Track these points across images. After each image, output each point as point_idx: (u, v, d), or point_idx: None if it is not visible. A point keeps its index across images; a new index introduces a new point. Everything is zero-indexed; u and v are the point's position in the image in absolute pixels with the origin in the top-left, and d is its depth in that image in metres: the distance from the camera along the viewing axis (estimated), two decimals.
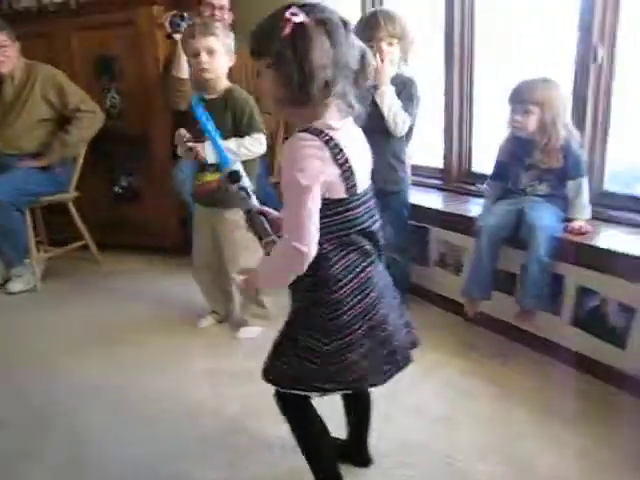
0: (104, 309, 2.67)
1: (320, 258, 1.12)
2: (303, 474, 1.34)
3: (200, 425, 1.71)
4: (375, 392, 1.41)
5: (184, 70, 2.72)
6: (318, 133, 1.08)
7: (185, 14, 2.76)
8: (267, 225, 1.29)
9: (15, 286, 2.94)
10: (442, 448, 1.54)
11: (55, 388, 1.96)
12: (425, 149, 2.93)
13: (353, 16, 2.93)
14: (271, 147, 2.73)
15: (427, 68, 2.78)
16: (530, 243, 1.92)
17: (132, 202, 3.41)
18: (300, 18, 1.04)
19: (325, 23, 1.06)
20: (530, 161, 2.06)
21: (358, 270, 1.17)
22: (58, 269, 3.18)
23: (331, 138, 1.09)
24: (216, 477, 1.48)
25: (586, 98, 2.11)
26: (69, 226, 3.24)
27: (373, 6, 3.07)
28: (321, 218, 1.10)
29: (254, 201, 1.34)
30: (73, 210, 3.18)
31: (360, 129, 1.22)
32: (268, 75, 1.09)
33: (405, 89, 2.27)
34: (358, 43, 1.13)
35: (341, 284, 1.15)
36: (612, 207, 2.08)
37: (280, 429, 1.37)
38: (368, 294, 1.18)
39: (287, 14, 1.04)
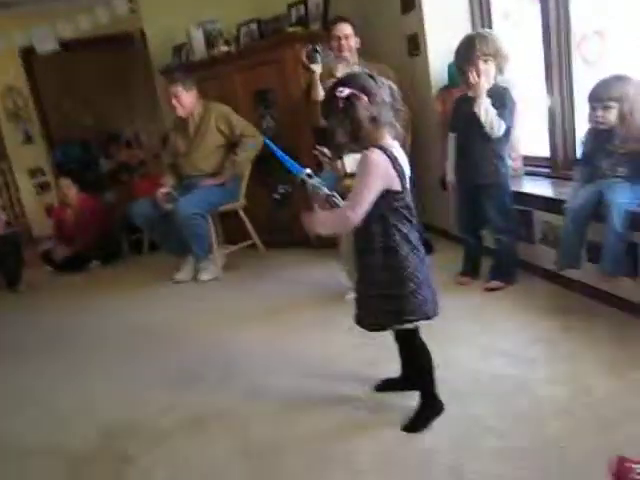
0: (270, 291, 3.39)
1: (387, 227, 1.68)
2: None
3: (344, 364, 2.30)
4: (476, 342, 1.92)
5: (320, 94, 3.27)
6: (384, 149, 1.66)
7: (318, 47, 3.30)
8: (338, 201, 1.80)
9: (204, 276, 3.78)
10: (524, 379, 1.98)
11: (235, 349, 2.63)
12: (536, 140, 3.29)
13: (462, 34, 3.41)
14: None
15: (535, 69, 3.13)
16: (607, 218, 2.27)
17: (287, 206, 4.14)
18: (345, 92, 1.63)
19: (361, 87, 1.63)
20: (611, 148, 2.39)
21: (410, 235, 1.72)
22: (234, 262, 4.00)
23: (391, 153, 1.66)
24: (357, 393, 2.06)
25: None
26: (240, 228, 4.04)
27: (482, 24, 3.51)
28: (388, 201, 1.67)
29: (325, 190, 1.81)
30: (243, 215, 3.96)
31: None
32: (338, 130, 1.67)
33: (500, 98, 2.71)
34: (386, 82, 1.69)
35: (403, 248, 1.70)
36: None
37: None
38: (414, 252, 1.72)
39: (336, 93, 1.64)
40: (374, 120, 1.66)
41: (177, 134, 3.94)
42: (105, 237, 4.86)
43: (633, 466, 1.45)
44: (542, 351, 2.16)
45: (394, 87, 1.73)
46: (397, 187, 1.69)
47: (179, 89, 3.74)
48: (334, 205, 1.79)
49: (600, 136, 2.41)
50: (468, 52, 2.71)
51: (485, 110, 2.66)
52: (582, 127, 2.93)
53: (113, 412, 2.23)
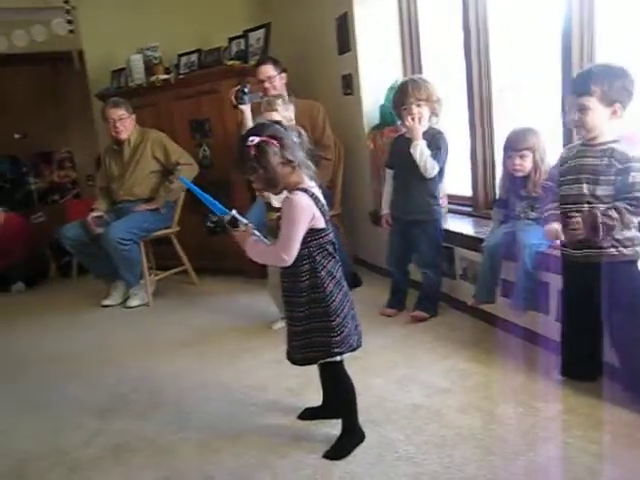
0: (199, 318, 3.41)
1: (314, 264, 1.77)
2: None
3: (268, 393, 2.36)
4: (395, 372, 2.06)
5: None
6: (305, 191, 1.75)
7: (246, 88, 3.35)
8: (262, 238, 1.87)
9: (133, 302, 3.75)
10: (438, 407, 2.10)
11: (162, 376, 2.63)
12: (460, 181, 3.49)
13: (394, 79, 3.61)
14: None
15: (459, 116, 3.35)
16: (519, 257, 2.45)
17: (220, 234, 4.18)
18: (255, 140, 1.70)
19: (270, 133, 1.72)
20: (524, 193, 2.58)
21: (334, 270, 1.81)
22: (165, 289, 4.00)
23: (313, 193, 1.76)
24: (282, 422, 2.11)
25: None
26: (172, 254, 4.04)
27: (413, 71, 3.73)
28: (314, 239, 1.76)
29: (253, 230, 1.86)
30: (175, 241, 3.97)
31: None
32: (254, 177, 1.76)
33: (435, 140, 2.89)
34: (291, 126, 1.82)
35: (328, 282, 1.79)
36: None
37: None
38: (341, 285, 1.82)
39: (248, 142, 1.70)
40: (288, 163, 1.74)
41: (111, 158, 3.94)
42: (31, 258, 4.73)
43: None
44: (456, 381, 2.29)
45: (301, 130, 1.83)
46: (321, 225, 1.78)
47: (124, 112, 3.76)
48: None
49: (514, 181, 2.60)
50: (402, 97, 2.88)
51: (420, 152, 2.83)
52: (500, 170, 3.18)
53: (34, 442, 2.18)
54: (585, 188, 1.97)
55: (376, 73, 3.74)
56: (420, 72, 3.68)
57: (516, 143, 2.53)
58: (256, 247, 1.84)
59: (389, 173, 3.11)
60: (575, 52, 2.48)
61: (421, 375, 2.37)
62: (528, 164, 2.52)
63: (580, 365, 2.12)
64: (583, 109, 1.93)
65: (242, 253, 3.92)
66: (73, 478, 1.91)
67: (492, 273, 2.62)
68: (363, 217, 3.97)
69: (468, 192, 3.39)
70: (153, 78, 4.16)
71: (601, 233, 1.91)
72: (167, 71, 4.31)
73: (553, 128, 2.64)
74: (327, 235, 1.81)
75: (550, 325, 2.42)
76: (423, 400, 2.16)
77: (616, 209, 1.90)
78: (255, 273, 3.88)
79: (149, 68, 4.28)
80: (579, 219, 1.96)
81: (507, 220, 2.67)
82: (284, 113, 2.80)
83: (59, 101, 6.12)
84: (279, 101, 2.82)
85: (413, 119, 2.85)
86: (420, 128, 2.86)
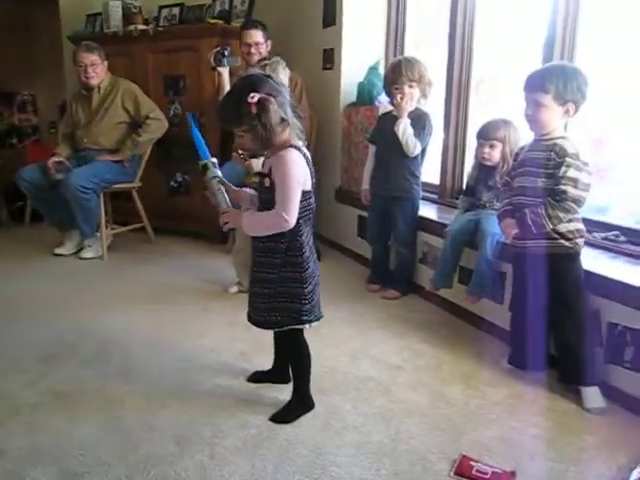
0: (155, 277, 3.35)
1: (296, 226, 1.70)
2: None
3: (219, 355, 2.34)
4: (349, 345, 2.13)
5: None
6: (298, 149, 1.70)
7: (226, 50, 3.32)
8: (227, 197, 1.81)
9: (87, 253, 3.66)
10: (388, 382, 2.13)
11: (112, 328, 2.58)
12: (428, 169, 3.52)
13: (376, 59, 3.59)
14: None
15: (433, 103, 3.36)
16: (480, 245, 2.49)
17: (183, 195, 4.12)
18: (256, 97, 1.60)
19: (268, 89, 1.63)
20: (491, 183, 2.62)
21: (310, 237, 1.78)
22: (121, 244, 3.91)
23: (305, 153, 1.72)
24: (231, 383, 2.10)
25: None
26: (131, 210, 3.95)
27: (395, 53, 3.72)
28: (300, 202, 1.69)
29: (224, 182, 1.82)
30: (136, 197, 3.88)
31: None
32: (246, 136, 1.67)
33: (420, 121, 2.90)
34: (284, 80, 1.80)
35: (306, 248, 1.76)
36: None
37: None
38: (312, 254, 1.79)
39: (249, 99, 1.59)
40: (283, 121, 1.67)
41: (78, 104, 3.81)
42: None
43: (473, 464, 1.61)
44: (408, 359, 2.32)
45: (287, 88, 1.77)
46: (308, 187, 1.73)
47: (96, 58, 3.64)
48: (219, 199, 1.80)
49: (484, 171, 2.64)
50: (395, 75, 2.88)
51: (403, 130, 2.84)
52: (470, 161, 3.22)
53: None
54: (530, 181, 2.03)
55: (358, 50, 3.72)
56: (402, 54, 3.68)
57: (487, 132, 2.58)
58: (253, 219, 1.74)
59: (371, 149, 3.12)
60: (557, 47, 2.53)
61: (374, 350, 2.39)
62: (497, 154, 2.56)
63: (526, 355, 2.15)
64: (537, 105, 1.97)
65: (204, 216, 3.88)
66: (11, 420, 1.86)
67: (452, 258, 2.67)
68: (329, 193, 3.96)
69: (435, 180, 3.42)
70: (131, 27, 4.04)
71: (534, 230, 1.98)
72: (146, 22, 4.19)
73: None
74: (311, 198, 1.75)
75: (503, 314, 2.47)
76: (374, 374, 2.19)
77: (541, 205, 1.97)
78: (215, 237, 3.85)
79: (127, 16, 4.15)
80: (510, 220, 2.08)
81: (472, 208, 2.70)
82: (283, 79, 2.74)
83: (26, 39, 5.85)
84: (280, 68, 2.75)
85: (402, 98, 2.85)
86: (407, 107, 2.87)
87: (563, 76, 1.93)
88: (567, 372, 2.06)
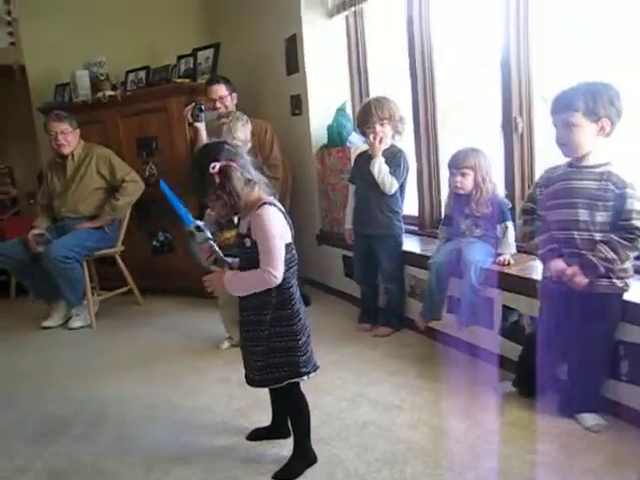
0: (145, 339, 3.32)
1: (283, 280, 1.70)
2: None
3: (216, 414, 2.31)
4: (345, 390, 2.17)
5: None
6: (271, 204, 1.72)
7: (202, 105, 3.38)
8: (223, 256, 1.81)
9: (75, 323, 3.61)
10: (388, 424, 2.10)
11: (104, 398, 2.54)
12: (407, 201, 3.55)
13: (343, 99, 3.66)
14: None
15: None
16: (464, 273, 2.50)
17: (167, 253, 4.11)
18: (217, 167, 1.64)
19: (227, 155, 1.67)
20: (467, 211, 2.65)
21: (297, 287, 1.78)
22: (109, 309, 3.87)
23: (278, 207, 1.73)
24: (230, 442, 2.07)
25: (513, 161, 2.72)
26: (116, 274, 3.93)
27: (360, 93, 3.81)
28: (285, 255, 1.70)
29: (214, 244, 1.81)
30: (120, 261, 3.86)
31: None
32: (216, 204, 1.71)
33: (394, 158, 2.94)
34: (244, 136, 1.88)
35: (295, 300, 1.76)
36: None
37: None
38: (301, 305, 1.79)
39: (210, 169, 1.63)
40: (248, 182, 1.69)
41: (53, 173, 3.82)
42: None
43: None
44: (406, 398, 2.30)
45: (246, 147, 1.81)
46: (289, 239, 1.74)
47: (67, 127, 3.67)
48: (219, 259, 1.80)
49: (459, 200, 2.67)
50: (365, 116, 2.93)
51: (379, 169, 2.88)
52: (446, 190, 3.26)
53: None
54: (582, 214, 1.88)
55: (324, 94, 3.79)
56: (367, 94, 3.76)
57: (457, 162, 2.62)
58: (238, 279, 1.74)
59: (351, 189, 3.15)
60: (513, 64, 2.60)
61: (371, 392, 2.37)
62: (469, 183, 2.60)
63: (534, 383, 2.06)
64: (567, 126, 1.86)
65: (188, 272, 3.85)
66: None
67: (439, 290, 2.67)
68: (311, 237, 3.98)
69: (414, 212, 3.45)
70: (99, 94, 4.07)
71: (602, 272, 1.85)
72: (114, 87, 4.23)
73: (496, 147, 2.74)
74: (293, 250, 1.77)
75: (494, 339, 2.49)
76: (373, 417, 2.16)
77: (609, 244, 1.83)
78: (203, 292, 3.81)
79: (95, 84, 4.18)
80: (575, 269, 1.87)
81: (453, 237, 2.73)
82: (242, 136, 2.78)
83: (0, 113, 5.90)
84: (239, 124, 2.79)
85: (375, 137, 2.90)
86: (380, 146, 2.91)
87: (592, 91, 1.82)
88: (570, 400, 2.01)
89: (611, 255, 1.83)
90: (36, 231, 3.63)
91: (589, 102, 1.82)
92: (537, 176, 2.63)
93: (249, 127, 2.84)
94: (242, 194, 1.67)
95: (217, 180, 1.65)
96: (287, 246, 1.73)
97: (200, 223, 1.81)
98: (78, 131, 3.76)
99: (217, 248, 1.80)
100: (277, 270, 1.67)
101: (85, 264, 3.64)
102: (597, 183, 1.87)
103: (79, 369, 2.94)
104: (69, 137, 3.69)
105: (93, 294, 3.79)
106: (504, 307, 2.45)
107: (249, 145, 2.78)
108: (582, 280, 1.88)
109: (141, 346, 3.21)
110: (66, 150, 3.70)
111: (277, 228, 1.68)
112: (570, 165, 1.97)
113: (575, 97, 1.83)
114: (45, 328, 3.64)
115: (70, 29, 4.49)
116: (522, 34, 2.57)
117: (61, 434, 2.25)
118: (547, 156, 2.62)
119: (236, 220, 1.81)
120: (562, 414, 2.01)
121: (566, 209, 1.92)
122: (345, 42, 3.85)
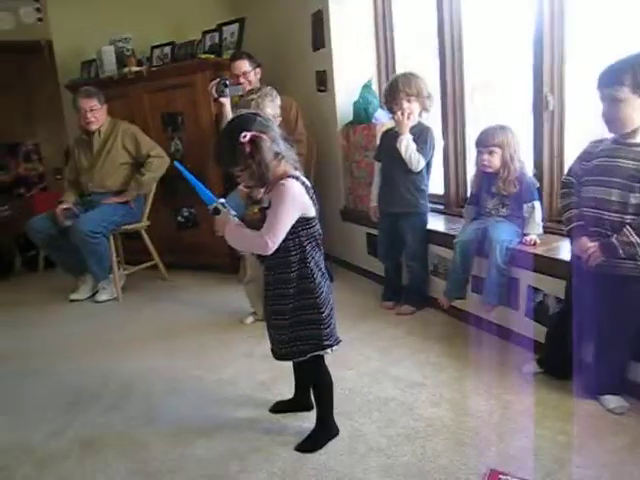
0: (169, 313, 3.37)
1: (304, 254, 1.73)
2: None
3: (240, 387, 2.34)
4: (368, 366, 2.18)
5: None
6: (297, 178, 1.72)
7: (227, 81, 3.37)
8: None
9: (102, 296, 3.69)
10: (411, 401, 2.12)
11: (132, 370, 2.60)
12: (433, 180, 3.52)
13: (369, 77, 3.62)
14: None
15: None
16: (490, 253, 2.48)
17: (191, 229, 4.15)
18: (248, 137, 1.64)
19: (259, 126, 1.67)
20: (494, 190, 2.62)
21: (320, 262, 1.79)
22: (134, 283, 3.94)
23: (303, 181, 1.74)
24: (253, 415, 2.10)
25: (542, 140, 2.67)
26: (142, 248, 3.98)
27: (387, 69, 3.76)
28: (304, 228, 1.72)
29: (237, 220, 1.80)
30: (145, 236, 3.91)
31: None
32: (243, 174, 1.71)
33: (422, 135, 2.91)
34: (273, 112, 1.91)
35: (317, 274, 1.77)
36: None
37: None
38: (325, 278, 1.81)
39: (241, 139, 1.63)
40: (277, 155, 1.70)
41: (80, 149, 3.86)
42: None
43: (502, 477, 1.60)
44: (429, 376, 2.31)
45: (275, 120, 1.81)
46: (312, 213, 1.75)
47: (96, 103, 3.70)
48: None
49: (486, 178, 2.64)
50: (393, 92, 2.90)
51: (406, 146, 2.85)
52: (472, 169, 3.22)
53: None
54: (615, 194, 1.82)
55: (350, 70, 3.75)
56: (394, 71, 3.71)
57: (485, 140, 2.57)
58: (238, 231, 1.76)
59: (377, 166, 3.13)
60: (546, 41, 2.54)
61: (394, 369, 2.38)
62: (497, 161, 2.56)
63: (559, 364, 2.09)
64: (614, 101, 1.77)
65: (215, 248, 3.90)
66: (43, 473, 1.87)
67: (463, 269, 2.66)
68: (334, 213, 3.98)
69: (440, 190, 3.42)
70: (125, 70, 4.09)
71: (622, 255, 1.82)
72: (139, 63, 4.25)
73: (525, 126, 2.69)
74: (316, 224, 1.78)
75: (520, 320, 2.47)
76: (396, 393, 2.18)
77: (637, 229, 1.78)
78: (227, 268, 3.86)
79: (121, 60, 4.21)
80: (587, 242, 1.87)
81: (478, 217, 2.70)
82: (270, 111, 2.76)
83: (26, 92, 5.97)
84: (267, 101, 2.77)
85: (402, 114, 2.87)
86: (407, 123, 2.88)
87: (639, 64, 1.72)
88: (594, 381, 2.00)
89: (635, 239, 1.78)
90: (64, 205, 3.69)
91: (637, 75, 1.72)
92: (566, 155, 2.62)
93: (278, 102, 2.82)
94: (270, 166, 1.68)
95: (247, 149, 1.65)
96: (310, 220, 1.75)
97: (222, 200, 1.82)
98: (106, 107, 3.79)
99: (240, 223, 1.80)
100: (273, 240, 1.68)
101: (111, 238, 3.70)
102: (636, 163, 1.79)
103: (106, 341, 3.00)
104: (97, 114, 3.72)
105: (119, 268, 3.85)
106: (529, 287, 2.43)
107: (279, 119, 2.76)
108: (597, 258, 1.86)
109: (167, 320, 3.26)
110: (94, 126, 3.74)
111: (295, 202, 1.69)
112: (615, 141, 1.89)
113: (622, 70, 1.74)
114: (73, 301, 3.72)
115: (96, 5, 4.50)
116: (557, 9, 2.50)
117: (91, 404, 2.31)
118: (578, 135, 2.60)
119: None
120: (585, 395, 2.00)
121: (601, 187, 1.87)
122: (372, 18, 3.79)
